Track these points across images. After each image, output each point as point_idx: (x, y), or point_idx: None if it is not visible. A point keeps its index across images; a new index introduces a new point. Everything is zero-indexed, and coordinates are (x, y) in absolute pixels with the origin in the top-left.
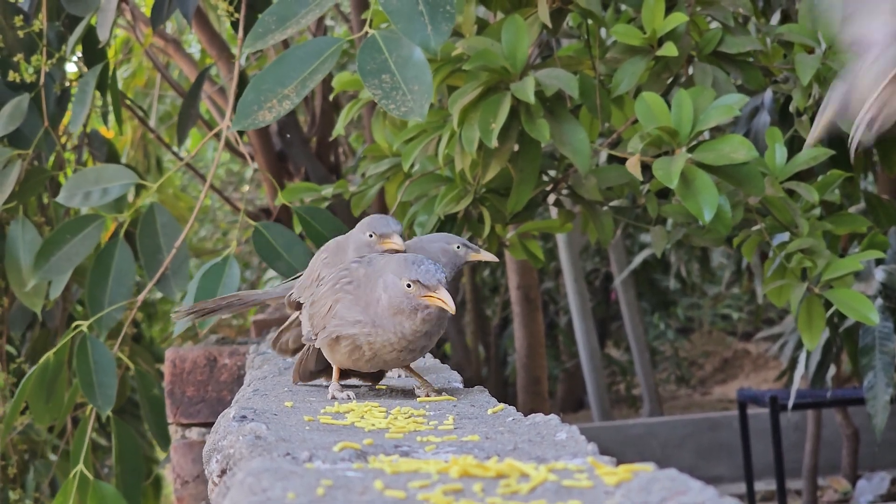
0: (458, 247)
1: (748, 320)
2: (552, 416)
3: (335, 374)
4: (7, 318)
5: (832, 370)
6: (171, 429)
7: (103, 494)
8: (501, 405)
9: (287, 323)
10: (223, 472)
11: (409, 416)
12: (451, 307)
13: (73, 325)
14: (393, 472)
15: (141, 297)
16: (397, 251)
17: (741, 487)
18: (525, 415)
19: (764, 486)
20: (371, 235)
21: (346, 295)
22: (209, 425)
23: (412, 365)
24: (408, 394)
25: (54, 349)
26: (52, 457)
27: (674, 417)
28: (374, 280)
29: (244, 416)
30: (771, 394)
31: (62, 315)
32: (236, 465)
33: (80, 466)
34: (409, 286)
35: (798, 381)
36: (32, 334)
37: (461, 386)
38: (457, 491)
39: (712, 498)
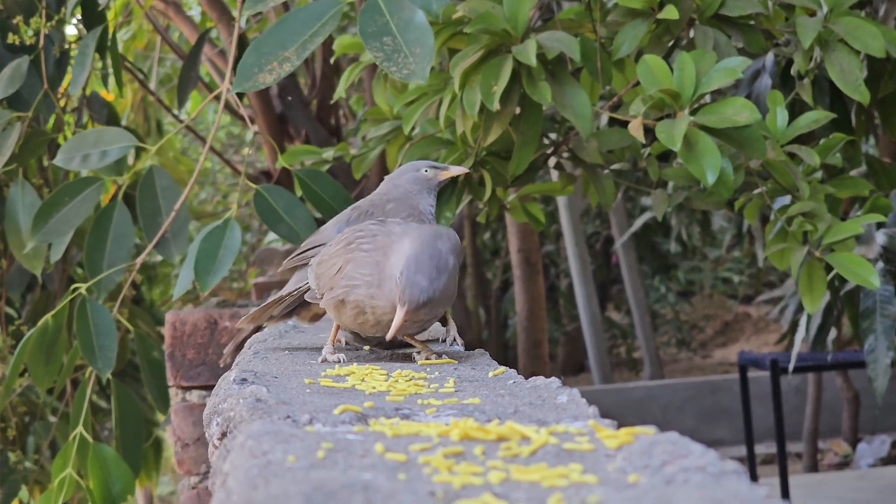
0: (426, 170)
1: (749, 284)
2: (553, 379)
3: (332, 334)
4: (6, 281)
5: (833, 333)
6: (172, 392)
7: (103, 457)
8: (502, 368)
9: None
10: (223, 434)
11: (410, 380)
12: (464, 169)
13: (73, 287)
14: (393, 434)
15: (140, 260)
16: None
17: (742, 450)
18: (526, 378)
19: (764, 449)
20: (426, 170)
21: (360, 254)
22: (209, 388)
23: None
24: (409, 357)
25: (53, 311)
26: (52, 419)
27: (674, 381)
28: (389, 249)
29: (244, 379)
30: (772, 357)
31: (62, 278)
32: (237, 428)
33: (80, 429)
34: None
35: (799, 344)
36: (32, 297)
37: (462, 349)
38: (457, 454)
39: (713, 461)
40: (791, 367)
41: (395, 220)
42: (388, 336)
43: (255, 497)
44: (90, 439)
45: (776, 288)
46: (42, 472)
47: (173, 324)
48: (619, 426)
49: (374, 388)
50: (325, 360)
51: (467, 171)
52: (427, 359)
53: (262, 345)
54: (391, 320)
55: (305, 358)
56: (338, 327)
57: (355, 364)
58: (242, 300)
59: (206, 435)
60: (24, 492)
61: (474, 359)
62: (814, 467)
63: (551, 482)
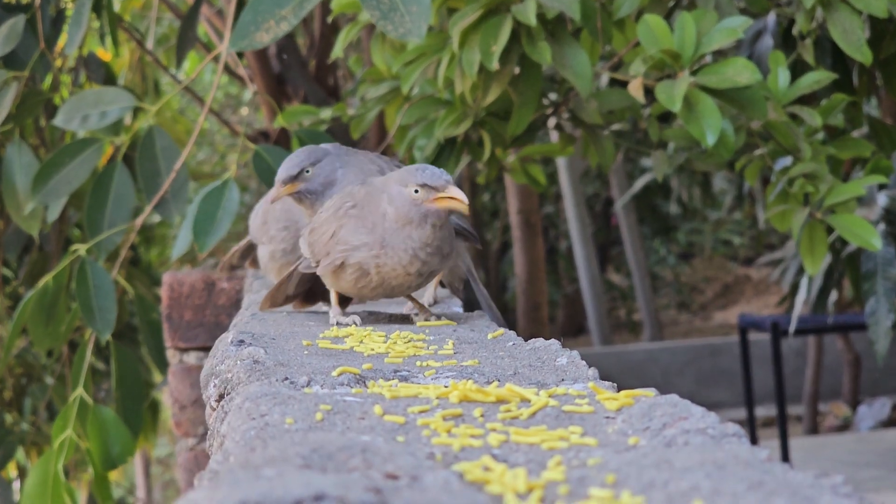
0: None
1: (749, 246)
2: (552, 340)
3: (334, 299)
4: (3, 242)
5: (834, 296)
6: (169, 353)
7: (103, 419)
8: (501, 330)
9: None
10: (221, 396)
11: (409, 341)
12: (464, 201)
13: (72, 248)
14: (392, 396)
15: (140, 221)
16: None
17: (742, 413)
18: (525, 340)
19: (764, 411)
20: (417, 191)
21: (350, 219)
22: (207, 349)
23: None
24: (407, 319)
25: (53, 273)
26: (49, 381)
27: (674, 343)
28: (378, 197)
29: (242, 341)
30: (772, 319)
31: (59, 239)
32: (234, 390)
33: (80, 390)
34: (416, 192)
35: (799, 306)
36: (30, 258)
37: (461, 311)
38: (456, 416)
39: (714, 424)
40: (792, 329)
41: (373, 179)
42: (434, 281)
43: (252, 459)
44: (90, 401)
45: (777, 250)
46: (39, 434)
47: (171, 285)
48: (619, 389)
49: (372, 349)
50: (337, 324)
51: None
52: (426, 320)
53: (259, 307)
54: (400, 283)
55: (304, 320)
56: (337, 293)
57: (353, 327)
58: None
59: (204, 397)
60: (20, 453)
61: (473, 321)
62: (814, 430)
63: (551, 444)
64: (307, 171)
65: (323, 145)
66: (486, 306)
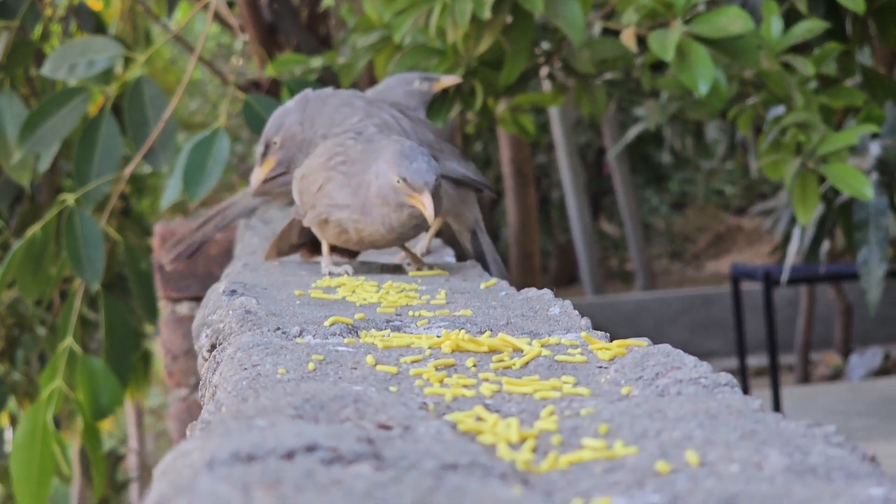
0: (419, 82)
1: (742, 195)
2: (545, 290)
3: (325, 249)
4: None
5: (826, 246)
6: (161, 304)
7: (92, 369)
8: (494, 280)
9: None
10: (213, 346)
11: (401, 291)
12: (429, 216)
13: (60, 198)
14: (384, 346)
15: (128, 170)
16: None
17: (733, 362)
18: (518, 290)
19: (756, 360)
20: (399, 181)
21: (338, 175)
22: (199, 300)
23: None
24: (399, 269)
25: (41, 222)
26: (42, 331)
27: (667, 293)
28: (369, 163)
29: (234, 291)
30: (764, 269)
31: (50, 189)
32: (226, 340)
33: (69, 341)
34: (398, 182)
35: (792, 256)
36: (21, 208)
37: (454, 261)
38: (449, 366)
39: (706, 373)
40: (784, 279)
41: (371, 133)
42: (430, 232)
43: (244, 409)
44: (79, 351)
45: (769, 199)
46: (31, 385)
47: (162, 235)
48: (612, 339)
49: (364, 299)
50: (330, 274)
51: (459, 80)
52: (418, 270)
53: (251, 257)
54: (376, 241)
55: (296, 269)
56: (329, 243)
57: (346, 276)
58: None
59: (196, 347)
60: (12, 403)
61: (466, 270)
62: (805, 379)
63: (543, 394)
64: (274, 143)
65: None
66: (491, 259)
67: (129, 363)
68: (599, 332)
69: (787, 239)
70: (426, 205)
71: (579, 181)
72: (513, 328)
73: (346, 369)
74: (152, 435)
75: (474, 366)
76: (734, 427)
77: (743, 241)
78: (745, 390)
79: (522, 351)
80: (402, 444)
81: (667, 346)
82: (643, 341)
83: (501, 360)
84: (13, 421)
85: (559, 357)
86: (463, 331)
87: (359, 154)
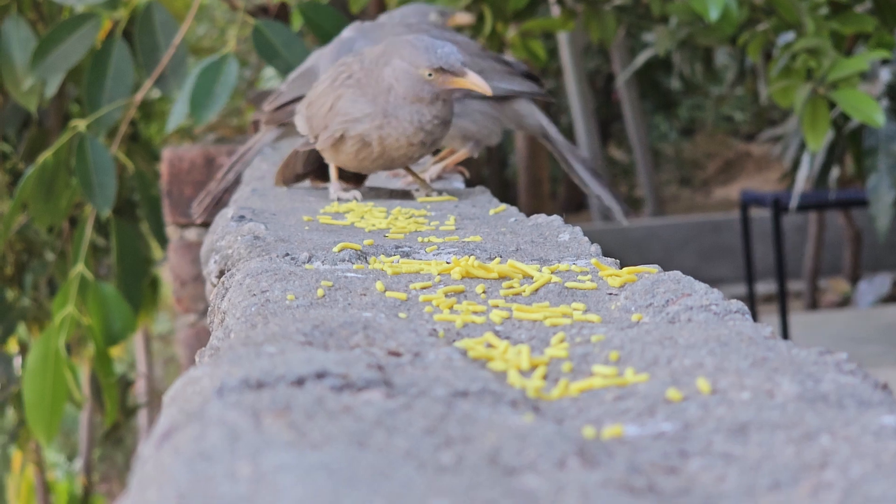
0: (435, 15)
1: (751, 121)
2: (555, 217)
3: (334, 174)
4: (1, 117)
5: (835, 172)
6: (170, 229)
7: (103, 295)
8: (503, 206)
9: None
10: (221, 272)
11: (410, 217)
12: (487, 89)
13: (71, 124)
14: (394, 272)
15: (139, 96)
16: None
17: (742, 289)
18: (527, 216)
19: (765, 287)
20: (431, 74)
21: (348, 90)
22: (207, 226)
23: (413, 167)
24: (408, 195)
25: (52, 149)
26: (51, 257)
27: (675, 219)
28: (379, 70)
29: (242, 216)
30: (773, 196)
31: (58, 114)
32: (234, 266)
33: (80, 267)
34: (429, 74)
35: (801, 182)
36: (29, 133)
37: (463, 186)
38: (458, 292)
39: (717, 300)
40: (793, 206)
41: (371, 46)
42: (451, 159)
43: (253, 335)
44: (91, 277)
45: (778, 126)
46: (40, 310)
47: (171, 161)
48: (622, 266)
49: (373, 225)
50: (338, 200)
51: (473, 21)
52: (427, 195)
53: (259, 182)
54: (402, 154)
55: (304, 195)
56: (337, 167)
57: (354, 202)
58: (240, 136)
59: (204, 273)
60: (22, 329)
61: (475, 196)
62: (814, 306)
63: (554, 321)
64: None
65: (345, 31)
66: (571, 157)
67: (141, 289)
68: (609, 259)
69: (796, 165)
70: (476, 82)
71: (588, 107)
72: (522, 254)
73: (355, 295)
74: (161, 361)
75: (484, 292)
76: (745, 354)
77: (752, 168)
78: (754, 317)
79: (532, 278)
80: (412, 371)
81: (677, 273)
82: (653, 268)
83: (511, 287)
84: (23, 348)
85: (569, 284)
86: (472, 257)
87: (363, 69)
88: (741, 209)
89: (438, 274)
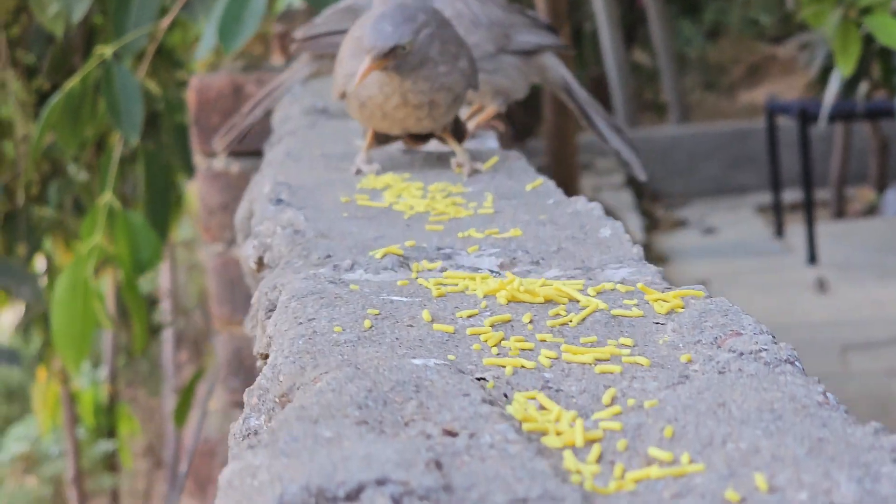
0: None
1: (777, 24)
2: (594, 204)
3: (368, 139)
4: (27, 39)
5: (864, 87)
6: (197, 158)
7: (131, 223)
8: (539, 180)
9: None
10: (261, 261)
11: (448, 195)
12: (357, 79)
13: (97, 51)
14: (438, 294)
15: (166, 22)
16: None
17: (768, 197)
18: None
19: (791, 195)
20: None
21: (350, 39)
22: (236, 155)
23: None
24: (445, 161)
25: (79, 75)
26: (79, 175)
27: (701, 127)
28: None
29: (280, 199)
30: (800, 105)
31: (83, 38)
32: (278, 271)
33: (109, 195)
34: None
35: (830, 100)
36: (52, 53)
37: (496, 145)
38: (505, 322)
39: (766, 343)
40: (821, 125)
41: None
42: (353, 85)
43: (302, 382)
44: (118, 206)
45: (804, 31)
46: (65, 229)
47: (198, 89)
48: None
49: (411, 207)
50: (359, 171)
51: None
52: (460, 165)
53: (292, 139)
54: (407, 116)
55: (339, 161)
56: (373, 131)
57: (391, 174)
58: (268, 63)
59: (241, 255)
60: (47, 245)
61: (510, 163)
62: (840, 215)
63: (603, 367)
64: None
65: None
66: (593, 112)
67: (168, 218)
68: (652, 268)
69: (822, 73)
70: (358, 70)
71: (613, 12)
72: (564, 256)
73: (402, 326)
74: (184, 267)
75: (531, 322)
76: (801, 436)
77: (778, 72)
78: (780, 226)
79: (578, 301)
80: (469, 462)
81: (724, 302)
82: (699, 291)
83: (558, 315)
84: (49, 262)
85: (615, 311)
86: (517, 281)
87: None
88: (767, 118)
89: (484, 296)
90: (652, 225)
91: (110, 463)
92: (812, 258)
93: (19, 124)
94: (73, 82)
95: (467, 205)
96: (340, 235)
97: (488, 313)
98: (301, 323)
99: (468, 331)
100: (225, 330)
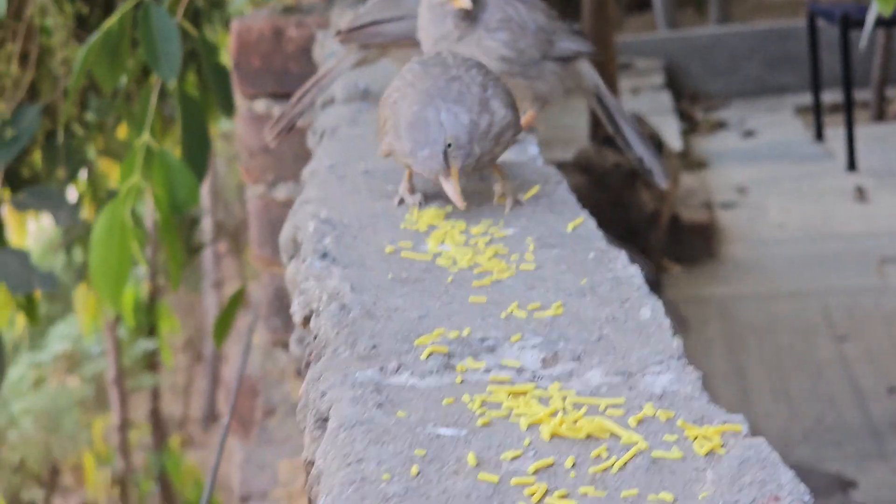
0: None
1: None
2: (633, 270)
3: (408, 172)
4: None
5: None
6: (238, 101)
7: (169, 164)
8: (580, 217)
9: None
10: (307, 318)
11: (490, 241)
12: (459, 203)
13: None
14: (483, 423)
15: None
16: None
17: (808, 98)
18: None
19: (830, 96)
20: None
21: (390, 113)
22: (275, 96)
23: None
24: (484, 184)
25: (116, 15)
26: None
27: (741, 28)
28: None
29: (325, 254)
30: (842, 11)
31: None
32: (326, 374)
33: (146, 136)
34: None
35: (872, 19)
36: None
37: (537, 150)
38: (548, 467)
39: (801, 497)
40: (862, 45)
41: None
42: (461, 204)
43: None
44: (156, 147)
45: None
46: (108, 141)
47: (239, 32)
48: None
49: (454, 262)
50: (402, 202)
51: None
52: (503, 196)
53: (335, 143)
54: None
55: (382, 181)
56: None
57: (433, 207)
58: (308, 5)
59: (285, 269)
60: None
61: (551, 190)
62: (880, 117)
63: None
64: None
65: None
66: (619, 118)
67: (206, 158)
68: (692, 375)
69: None
70: (449, 191)
71: None
72: (605, 348)
73: (448, 472)
74: (224, 159)
75: (573, 466)
76: None
77: None
78: (820, 129)
79: (620, 437)
80: None
81: (763, 448)
82: (739, 426)
83: (600, 458)
84: (90, 173)
85: (656, 454)
86: (559, 414)
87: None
88: (808, 20)
89: (527, 427)
90: (691, 128)
91: (151, 362)
92: (851, 164)
93: (59, 47)
94: (111, 21)
95: (509, 257)
96: (386, 314)
97: (532, 453)
98: (350, 464)
99: (512, 481)
100: (266, 270)
